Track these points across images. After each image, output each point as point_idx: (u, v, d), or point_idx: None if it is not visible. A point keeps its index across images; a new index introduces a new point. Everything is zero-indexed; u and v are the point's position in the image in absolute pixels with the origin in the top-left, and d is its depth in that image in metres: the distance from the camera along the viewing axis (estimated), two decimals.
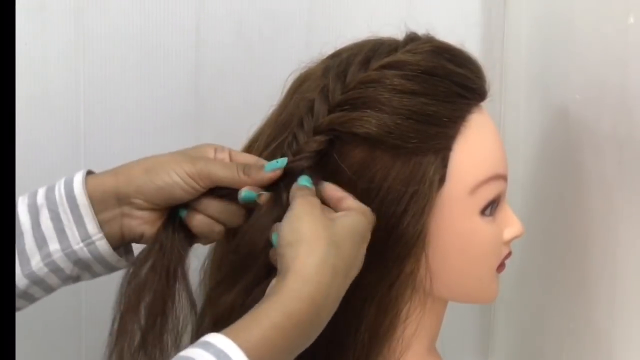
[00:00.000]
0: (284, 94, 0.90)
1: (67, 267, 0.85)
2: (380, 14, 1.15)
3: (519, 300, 1.18)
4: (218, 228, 0.86)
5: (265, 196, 0.84)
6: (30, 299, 0.86)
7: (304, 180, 0.83)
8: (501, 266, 0.91)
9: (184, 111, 1.16)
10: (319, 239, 0.77)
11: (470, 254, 0.87)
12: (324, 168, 0.85)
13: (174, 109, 1.16)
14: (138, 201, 0.85)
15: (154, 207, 0.86)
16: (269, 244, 0.82)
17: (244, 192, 0.84)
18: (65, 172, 1.09)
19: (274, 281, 0.77)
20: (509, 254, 0.92)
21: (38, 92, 1.12)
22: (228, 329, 0.73)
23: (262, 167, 0.85)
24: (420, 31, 0.90)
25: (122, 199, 0.85)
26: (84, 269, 0.86)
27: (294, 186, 0.83)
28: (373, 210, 0.83)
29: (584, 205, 0.97)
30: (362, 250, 0.80)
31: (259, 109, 0.92)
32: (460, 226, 0.86)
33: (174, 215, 0.87)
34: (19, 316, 0.84)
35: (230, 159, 0.87)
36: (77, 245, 0.84)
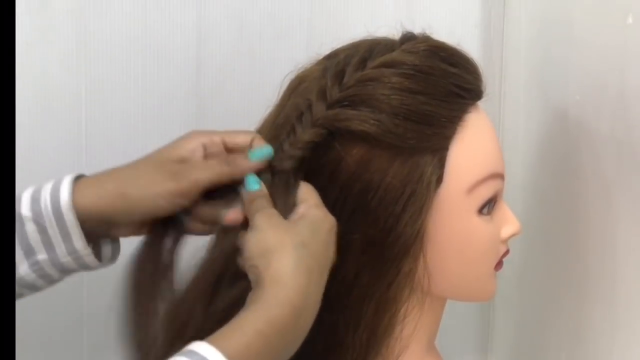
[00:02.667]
0: (280, 95, 0.90)
1: (54, 273, 0.86)
2: (380, 14, 1.15)
3: (519, 299, 1.18)
4: (215, 228, 0.86)
5: (230, 214, 0.84)
6: (18, 295, 0.86)
7: (252, 183, 0.84)
8: (499, 264, 0.91)
9: (184, 112, 1.16)
10: (286, 246, 0.78)
11: (468, 252, 0.87)
12: (322, 169, 0.85)
13: (174, 110, 1.16)
14: (124, 223, 0.86)
15: (141, 225, 0.87)
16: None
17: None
18: (66, 172, 1.09)
19: (250, 293, 0.77)
20: (507, 252, 0.92)
21: (39, 93, 1.12)
22: (212, 337, 0.73)
23: (246, 155, 0.85)
24: (420, 32, 0.91)
25: (109, 222, 0.85)
26: (70, 273, 0.87)
27: (244, 195, 0.83)
28: (371, 209, 0.83)
29: (583, 205, 0.97)
30: (331, 241, 0.81)
31: (259, 109, 0.92)
32: (458, 225, 0.86)
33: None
34: (20, 315, 0.84)
35: (225, 147, 0.86)
36: (64, 258, 0.85)
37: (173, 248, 0.88)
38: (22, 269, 0.84)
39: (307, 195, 0.83)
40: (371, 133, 0.83)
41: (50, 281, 0.87)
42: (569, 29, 1.00)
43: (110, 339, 1.21)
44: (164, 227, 0.88)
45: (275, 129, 0.87)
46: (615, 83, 0.88)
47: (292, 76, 0.90)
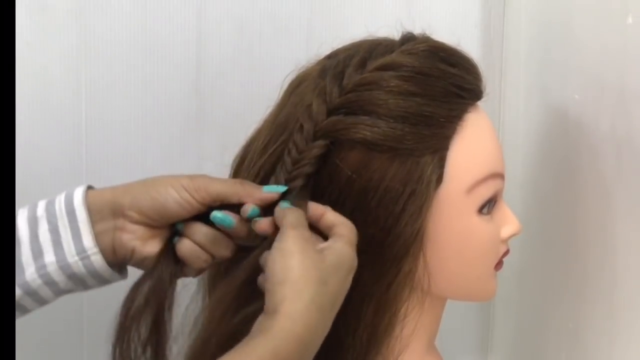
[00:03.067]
0: (281, 95, 0.90)
1: (60, 280, 0.85)
2: (380, 14, 1.15)
3: (519, 299, 1.18)
4: (205, 257, 0.86)
5: (262, 223, 0.83)
6: (22, 310, 0.86)
7: (285, 205, 0.83)
8: (499, 264, 0.91)
9: (184, 111, 1.16)
10: (308, 280, 0.77)
11: (468, 252, 0.87)
12: (321, 171, 0.85)
13: (175, 110, 1.16)
14: (132, 213, 0.85)
15: (148, 222, 0.85)
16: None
17: (251, 209, 0.84)
18: (66, 172, 1.10)
19: (260, 317, 0.77)
20: (507, 252, 0.92)
21: (39, 93, 1.12)
22: None
23: (260, 187, 0.85)
24: (420, 32, 0.91)
25: (117, 211, 0.85)
26: (77, 283, 0.86)
27: (280, 209, 0.83)
28: (370, 209, 0.83)
29: (582, 204, 0.97)
30: (348, 281, 0.80)
31: (259, 109, 0.92)
32: (458, 225, 0.86)
33: (170, 243, 0.86)
34: (20, 321, 0.84)
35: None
36: (72, 258, 0.84)
37: (170, 282, 0.87)
38: (29, 272, 0.84)
39: (345, 230, 0.82)
40: (368, 139, 0.83)
41: (56, 291, 0.85)
42: (569, 29, 1.00)
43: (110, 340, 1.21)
44: (165, 258, 0.86)
45: (275, 128, 0.87)
46: (615, 83, 0.88)
47: (292, 76, 0.90)
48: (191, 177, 0.84)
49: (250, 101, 1.15)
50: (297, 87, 0.88)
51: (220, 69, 1.16)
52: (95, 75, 1.13)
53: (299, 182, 0.84)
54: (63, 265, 0.84)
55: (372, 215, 0.83)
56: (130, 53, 1.14)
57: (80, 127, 1.14)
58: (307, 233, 0.81)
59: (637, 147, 0.85)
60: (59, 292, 0.86)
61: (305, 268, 0.77)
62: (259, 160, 0.87)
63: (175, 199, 0.84)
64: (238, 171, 0.90)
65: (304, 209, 0.83)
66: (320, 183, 0.85)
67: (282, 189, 0.84)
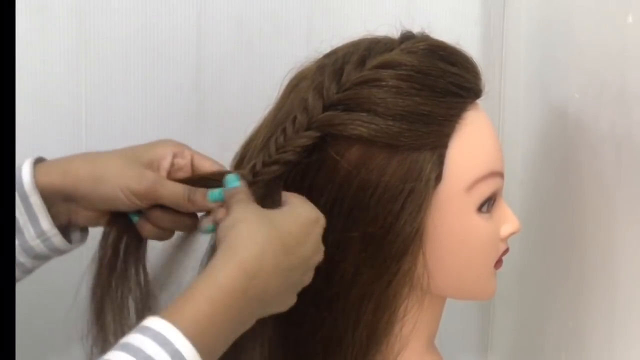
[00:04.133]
0: (280, 93, 0.90)
1: (26, 261, 0.86)
2: (379, 13, 1.15)
3: (519, 298, 1.18)
4: (167, 234, 0.87)
5: (220, 213, 0.84)
6: None
7: (232, 181, 0.84)
8: (499, 263, 0.91)
9: (185, 110, 1.16)
10: (252, 218, 0.78)
11: (467, 251, 0.87)
12: (320, 169, 0.85)
13: (175, 109, 1.16)
14: (84, 203, 0.86)
15: (100, 210, 0.87)
16: None
17: (205, 226, 0.85)
18: None
19: None
20: (507, 250, 0.92)
21: (39, 93, 1.12)
22: (165, 310, 0.74)
23: (206, 195, 0.85)
24: (419, 31, 0.91)
25: (68, 198, 0.86)
26: (42, 259, 0.88)
27: (226, 192, 0.83)
28: (370, 207, 0.83)
29: (582, 203, 0.97)
30: (314, 232, 0.80)
31: (259, 108, 0.92)
32: (458, 223, 0.86)
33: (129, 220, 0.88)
34: (20, 316, 0.84)
35: (192, 164, 0.88)
36: (33, 241, 0.85)
37: (131, 252, 0.89)
38: None
39: (294, 195, 0.83)
40: (365, 136, 0.83)
41: (24, 270, 0.87)
42: (569, 28, 1.00)
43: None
44: (117, 228, 0.88)
45: (274, 126, 0.87)
46: (615, 82, 0.88)
47: (292, 74, 0.90)
48: (140, 182, 0.85)
49: (250, 100, 1.15)
50: (297, 85, 0.88)
51: (220, 67, 1.16)
52: (95, 75, 1.13)
53: (274, 169, 0.85)
54: (26, 248, 0.85)
55: (371, 213, 0.84)
56: (130, 52, 1.14)
57: (80, 127, 1.14)
58: (252, 203, 0.81)
59: (637, 146, 0.85)
60: (27, 270, 0.87)
61: (250, 211, 0.79)
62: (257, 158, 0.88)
63: (124, 203, 0.85)
64: (237, 169, 0.90)
65: (262, 193, 0.84)
66: (318, 181, 0.85)
67: (221, 195, 0.84)
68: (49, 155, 1.14)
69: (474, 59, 0.89)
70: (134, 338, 0.71)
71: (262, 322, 0.80)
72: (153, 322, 0.72)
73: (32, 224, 0.85)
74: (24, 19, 1.09)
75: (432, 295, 0.90)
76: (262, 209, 0.80)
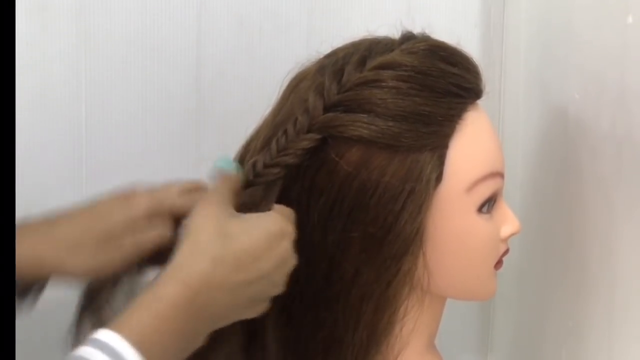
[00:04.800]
0: (280, 94, 0.90)
1: None
2: (379, 14, 1.15)
3: (519, 298, 1.18)
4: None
5: None
6: None
7: (225, 162, 0.84)
8: (499, 263, 0.91)
9: (184, 110, 1.16)
10: (204, 230, 0.78)
11: (467, 251, 0.87)
12: (319, 169, 0.85)
13: (175, 108, 1.16)
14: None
15: None
16: None
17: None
18: (66, 171, 1.10)
19: None
20: (507, 251, 0.92)
21: (39, 92, 1.12)
22: (115, 322, 0.74)
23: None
24: (420, 31, 0.91)
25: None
26: None
27: (217, 171, 0.83)
28: (370, 208, 0.83)
29: (582, 203, 0.97)
30: (278, 247, 0.80)
31: (259, 108, 0.92)
32: (458, 224, 0.86)
33: None
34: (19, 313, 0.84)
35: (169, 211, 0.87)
36: None
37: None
38: None
39: (280, 207, 0.83)
40: (366, 137, 0.83)
41: None
42: (569, 29, 1.00)
43: None
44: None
45: (274, 127, 0.87)
46: (615, 82, 0.88)
47: (292, 74, 0.90)
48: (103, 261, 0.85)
49: (250, 99, 1.15)
50: (297, 86, 0.88)
51: (220, 67, 1.16)
52: (95, 75, 1.13)
53: (275, 171, 0.85)
54: None
55: (371, 213, 0.83)
56: (130, 52, 1.14)
57: (80, 127, 1.14)
58: (220, 196, 0.81)
59: (637, 146, 0.85)
60: None
61: (205, 222, 0.78)
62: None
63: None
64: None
65: (269, 204, 0.84)
66: (318, 182, 0.85)
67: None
68: (49, 155, 1.14)
69: (474, 59, 0.89)
70: (84, 350, 0.72)
71: (261, 324, 0.80)
72: (102, 334, 0.73)
73: None
74: (24, 19, 1.09)
75: (433, 296, 0.90)
76: (225, 216, 0.79)
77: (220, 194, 0.82)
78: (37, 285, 0.88)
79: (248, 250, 0.78)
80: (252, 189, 0.85)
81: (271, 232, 0.79)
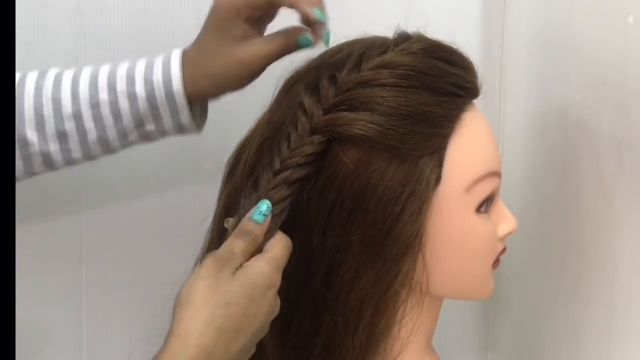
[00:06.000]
0: (275, 94, 0.90)
1: (156, 137, 0.92)
2: (379, 14, 1.15)
3: (518, 299, 1.18)
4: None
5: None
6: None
7: (257, 214, 0.82)
8: (496, 262, 0.92)
9: None
10: (207, 301, 0.77)
11: (466, 251, 0.87)
12: (319, 172, 0.84)
13: None
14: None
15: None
16: None
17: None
18: (65, 171, 1.09)
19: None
20: (504, 249, 0.92)
21: None
22: None
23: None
24: (420, 31, 0.90)
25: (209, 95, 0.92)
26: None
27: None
28: (369, 210, 0.83)
29: (582, 204, 0.97)
30: (266, 300, 0.79)
31: (258, 107, 0.92)
32: (457, 224, 0.86)
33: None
34: (20, 312, 0.84)
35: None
36: (170, 129, 0.91)
37: None
38: (132, 137, 0.91)
39: (272, 247, 0.81)
40: (370, 136, 0.83)
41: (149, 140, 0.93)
42: (569, 29, 1.00)
43: (110, 341, 1.21)
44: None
45: (270, 128, 0.87)
46: (616, 82, 0.88)
47: (288, 74, 0.90)
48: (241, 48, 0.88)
49: (249, 99, 1.14)
50: (292, 86, 0.88)
51: None
52: None
53: (286, 192, 0.83)
54: (160, 131, 0.91)
55: (371, 215, 0.83)
56: (130, 52, 1.13)
57: None
58: (226, 255, 0.79)
59: (638, 147, 0.85)
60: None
61: (208, 290, 0.77)
62: (253, 160, 0.87)
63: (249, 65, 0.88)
64: (232, 171, 0.90)
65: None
66: (317, 184, 0.85)
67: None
68: None
69: (472, 59, 0.89)
70: None
71: None
72: None
73: (173, 118, 0.89)
74: (24, 19, 1.09)
75: (431, 297, 0.90)
76: (225, 273, 0.78)
77: (240, 251, 0.81)
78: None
79: (247, 312, 0.78)
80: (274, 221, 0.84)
81: (267, 287, 0.79)
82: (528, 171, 1.13)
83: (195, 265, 0.92)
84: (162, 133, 0.91)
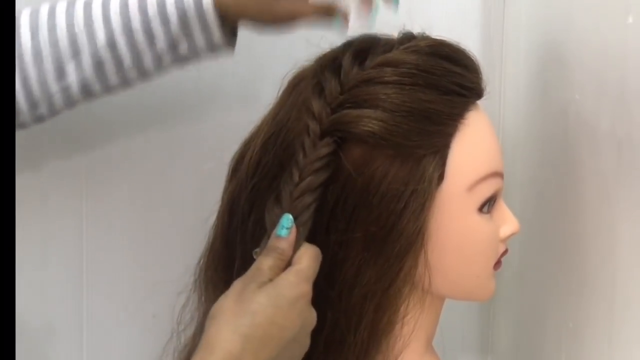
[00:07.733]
0: (280, 92, 0.90)
1: (191, 57, 0.94)
2: (380, 14, 1.15)
3: (519, 299, 1.18)
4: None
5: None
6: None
7: (281, 228, 0.82)
8: (498, 264, 0.92)
9: (185, 109, 1.16)
10: (233, 312, 0.77)
11: (468, 251, 0.87)
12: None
13: (175, 107, 1.16)
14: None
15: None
16: None
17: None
18: (65, 170, 1.10)
19: None
20: (506, 251, 0.92)
21: None
22: None
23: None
24: (419, 32, 0.90)
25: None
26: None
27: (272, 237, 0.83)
28: (373, 207, 0.83)
29: (582, 203, 0.97)
30: (295, 310, 0.79)
31: (259, 107, 0.92)
32: (459, 223, 0.86)
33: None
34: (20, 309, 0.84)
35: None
36: (202, 48, 0.93)
37: None
38: (166, 60, 0.93)
39: (299, 259, 0.81)
40: (376, 133, 0.83)
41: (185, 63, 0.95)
42: (569, 29, 1.00)
43: (110, 340, 1.21)
44: None
45: (274, 126, 0.87)
46: (616, 82, 0.88)
47: (292, 73, 0.90)
48: None
49: (250, 99, 1.15)
50: (297, 85, 0.88)
51: (220, 67, 1.16)
52: None
53: (309, 199, 0.83)
54: (192, 50, 0.93)
55: (374, 213, 0.83)
56: None
57: (80, 125, 1.14)
58: (257, 273, 0.80)
59: (637, 146, 0.85)
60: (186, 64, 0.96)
61: (234, 302, 0.78)
62: (257, 157, 0.87)
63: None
64: (237, 168, 0.90)
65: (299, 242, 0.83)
66: (322, 180, 0.85)
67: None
68: (49, 154, 1.14)
69: (476, 59, 0.89)
70: None
71: None
72: None
73: (204, 36, 0.91)
74: None
75: (433, 296, 0.90)
76: (253, 288, 0.79)
77: (247, 276, 0.81)
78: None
79: (276, 322, 0.78)
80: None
81: (294, 299, 0.79)
82: (528, 170, 1.13)
83: (198, 263, 0.93)
84: (195, 53, 0.93)
